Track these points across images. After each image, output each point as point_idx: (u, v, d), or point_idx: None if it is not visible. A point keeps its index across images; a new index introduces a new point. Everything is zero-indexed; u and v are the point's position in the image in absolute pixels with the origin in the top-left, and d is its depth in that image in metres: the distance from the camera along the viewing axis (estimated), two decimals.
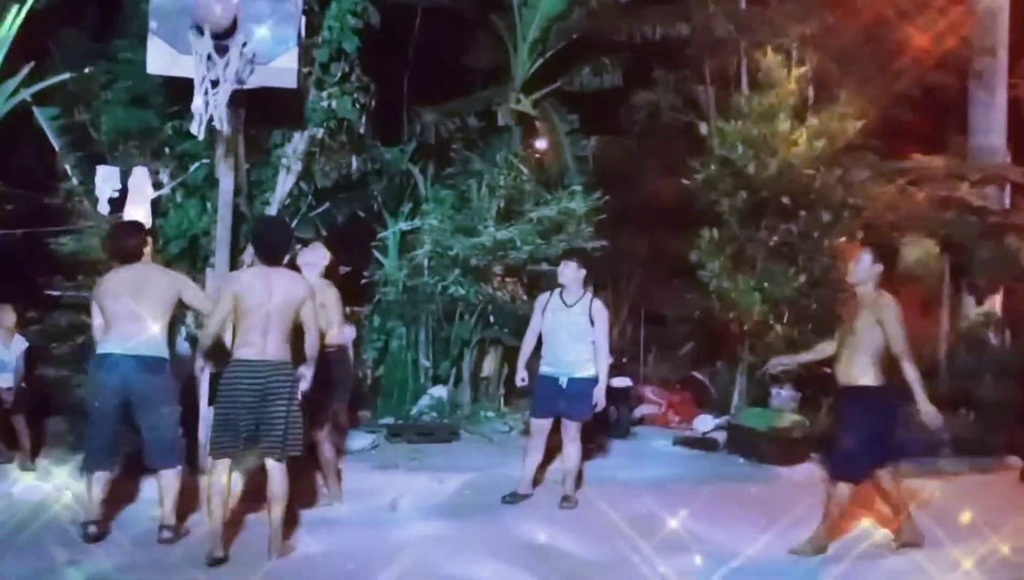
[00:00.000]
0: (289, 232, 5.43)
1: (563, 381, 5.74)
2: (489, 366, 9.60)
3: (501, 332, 9.35)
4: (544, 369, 5.88)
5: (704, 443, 8.11)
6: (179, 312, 5.72)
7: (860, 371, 4.76)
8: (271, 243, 4.66)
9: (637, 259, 11.22)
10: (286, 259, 4.86)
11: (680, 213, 9.51)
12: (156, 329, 4.68)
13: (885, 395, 4.79)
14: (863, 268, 4.90)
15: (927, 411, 4.73)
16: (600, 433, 7.47)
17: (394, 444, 7.77)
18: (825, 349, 5.27)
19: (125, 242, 4.94)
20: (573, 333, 5.78)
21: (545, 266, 8.94)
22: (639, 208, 10.47)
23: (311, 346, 4.57)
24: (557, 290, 5.98)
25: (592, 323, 5.77)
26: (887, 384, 4.79)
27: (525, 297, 9.15)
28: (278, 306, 4.41)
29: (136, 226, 5.32)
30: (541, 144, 10.72)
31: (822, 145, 8.39)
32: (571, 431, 5.82)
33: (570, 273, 5.89)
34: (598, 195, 9.37)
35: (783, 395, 8.11)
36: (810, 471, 6.97)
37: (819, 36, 8.94)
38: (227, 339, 4.75)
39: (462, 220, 9.13)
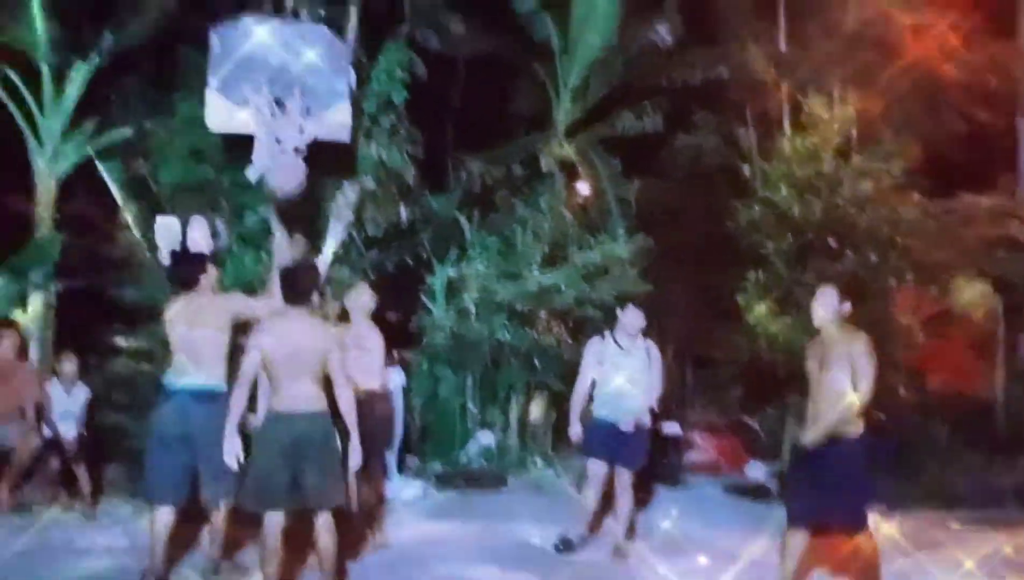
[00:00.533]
0: (315, 273, 5.29)
1: (622, 427, 5.65)
2: (536, 411, 9.59)
3: (547, 377, 9.35)
4: (601, 412, 5.76)
5: (756, 491, 7.97)
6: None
7: (845, 420, 4.32)
8: (297, 284, 4.51)
9: (682, 302, 11.18)
10: (316, 301, 4.90)
11: (724, 255, 9.51)
12: (211, 358, 4.69)
13: (867, 439, 4.44)
14: (830, 307, 4.47)
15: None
16: (649, 480, 7.38)
17: (443, 491, 7.76)
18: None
19: (181, 269, 5.01)
20: (631, 378, 5.73)
21: (590, 310, 8.97)
22: (683, 250, 10.48)
23: (345, 403, 4.38)
24: (608, 335, 5.91)
25: (649, 366, 5.75)
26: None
27: (570, 341, 9.19)
28: (305, 354, 4.30)
29: (196, 255, 5.36)
30: (584, 189, 10.82)
31: (868, 185, 8.36)
32: (625, 479, 5.74)
33: (637, 319, 5.80)
34: (642, 238, 9.39)
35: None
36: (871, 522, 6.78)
37: (862, 76, 8.96)
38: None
39: (507, 266, 9.21)
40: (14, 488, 6.41)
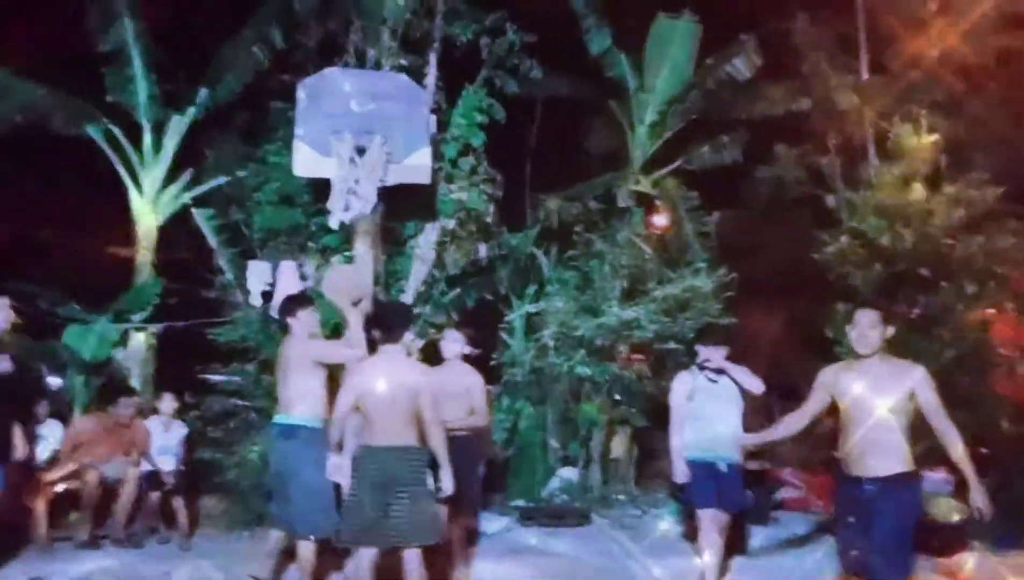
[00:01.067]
0: (409, 313, 5.57)
1: (721, 466, 5.31)
2: (618, 447, 9.51)
3: (629, 412, 9.28)
4: (697, 454, 5.37)
5: None
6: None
7: (897, 457, 3.98)
8: (391, 324, 4.67)
9: (766, 335, 10.94)
10: (409, 339, 5.04)
11: (810, 287, 9.28)
12: (291, 396, 4.91)
13: (919, 479, 4.14)
14: (878, 332, 4.10)
15: (979, 493, 3.96)
16: (738, 519, 7.20)
17: (527, 527, 7.75)
18: (794, 423, 4.61)
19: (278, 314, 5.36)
20: (725, 408, 5.44)
21: (672, 344, 8.88)
22: (766, 283, 10.28)
23: (436, 439, 4.45)
24: (695, 369, 5.61)
25: (740, 398, 5.49)
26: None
27: (651, 375, 9.11)
28: (398, 391, 4.41)
29: (294, 298, 5.60)
30: (662, 222, 10.78)
31: (960, 213, 8.07)
32: (722, 522, 5.40)
33: (717, 352, 5.53)
34: (723, 271, 9.26)
35: (935, 479, 7.60)
36: (970, 561, 6.47)
37: (949, 102, 8.70)
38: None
39: (586, 301, 9.22)
40: (128, 522, 6.71)
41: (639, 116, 10.78)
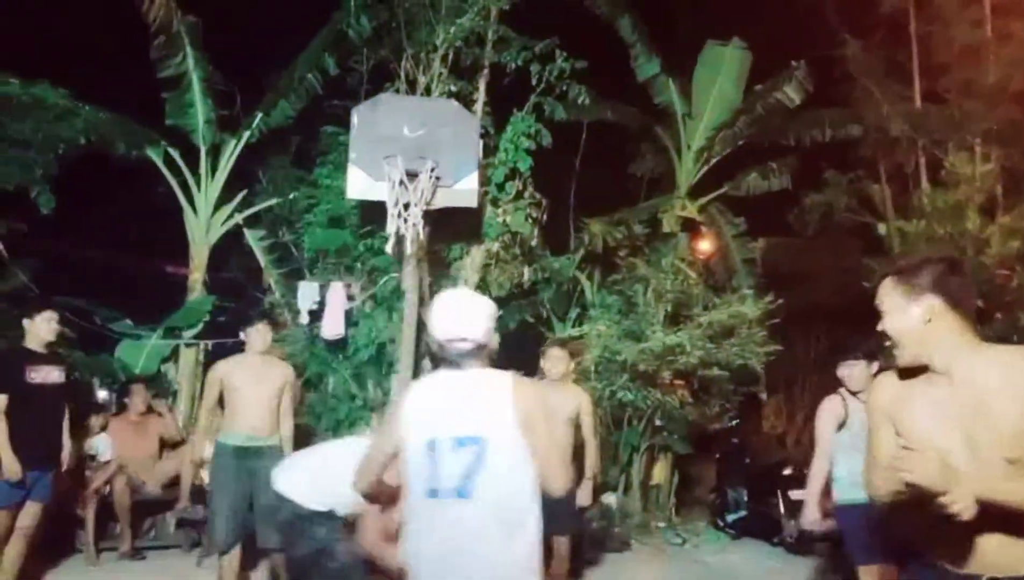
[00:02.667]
0: None
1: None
2: (659, 474, 9.42)
3: (671, 438, 9.20)
4: (854, 496, 4.09)
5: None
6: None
7: None
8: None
9: (813, 363, 10.79)
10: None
11: (859, 315, 9.13)
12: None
13: None
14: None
15: None
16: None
17: None
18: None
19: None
20: None
21: (716, 371, 8.80)
22: (814, 310, 10.16)
23: None
24: (844, 392, 4.76)
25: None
26: None
27: (693, 402, 9.04)
28: None
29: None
30: (707, 248, 10.73)
31: (1016, 244, 7.90)
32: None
33: (861, 373, 4.65)
34: (770, 298, 9.16)
35: None
36: None
37: (1005, 131, 8.54)
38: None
39: (629, 325, 9.18)
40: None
41: (686, 141, 10.78)
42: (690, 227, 10.68)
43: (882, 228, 9.59)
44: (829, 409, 4.71)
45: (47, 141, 8.03)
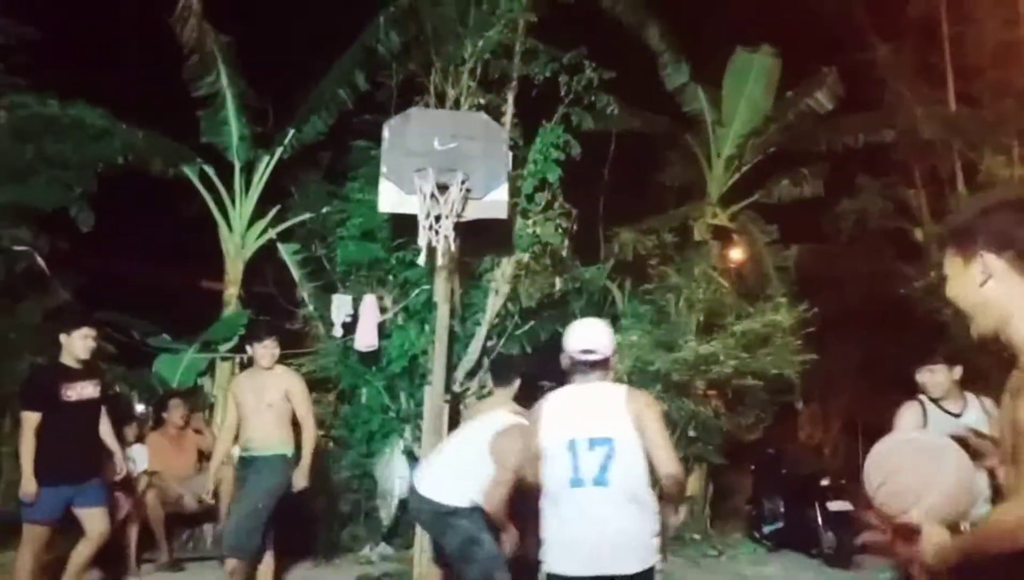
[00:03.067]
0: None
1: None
2: (694, 485, 9.33)
3: (705, 449, 9.11)
4: None
5: None
6: None
7: None
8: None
9: (850, 372, 10.64)
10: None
11: (896, 322, 9.01)
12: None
13: None
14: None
15: None
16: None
17: None
18: None
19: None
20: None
21: (751, 380, 8.72)
22: (850, 318, 10.03)
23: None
24: (924, 400, 4.34)
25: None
26: None
27: (727, 412, 8.96)
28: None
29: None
30: (739, 256, 10.64)
31: None
32: None
33: (944, 378, 4.28)
34: (804, 306, 9.05)
35: None
36: None
37: None
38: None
39: (662, 335, 9.12)
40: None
41: (716, 149, 10.73)
42: (721, 235, 10.61)
43: (918, 233, 9.47)
44: (908, 417, 4.30)
45: (86, 160, 8.22)
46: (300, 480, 5.49)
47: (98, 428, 5.61)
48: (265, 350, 5.61)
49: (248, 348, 5.75)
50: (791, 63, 10.49)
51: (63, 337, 5.42)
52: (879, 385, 10.19)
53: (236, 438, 5.74)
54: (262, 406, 5.51)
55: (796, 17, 10.17)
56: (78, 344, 5.38)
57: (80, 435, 5.44)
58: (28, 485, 5.18)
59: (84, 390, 5.46)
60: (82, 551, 5.37)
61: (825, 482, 8.03)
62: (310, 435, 5.63)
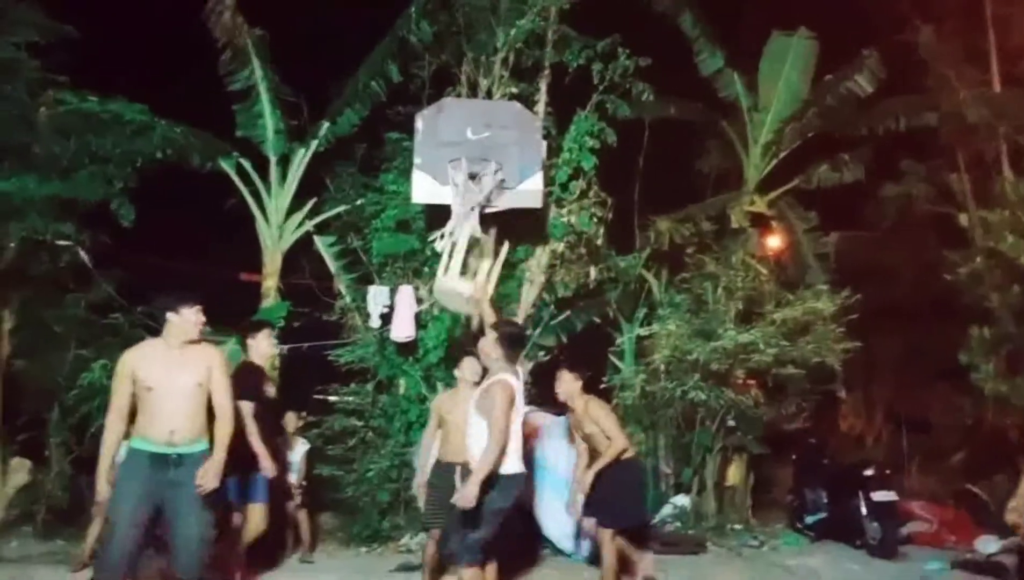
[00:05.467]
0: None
1: None
2: (734, 475, 9.23)
3: (745, 439, 9.01)
4: None
5: (990, 568, 7.15)
6: None
7: None
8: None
9: (892, 360, 10.43)
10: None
11: (940, 310, 8.81)
12: None
13: None
14: None
15: None
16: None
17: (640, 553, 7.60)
18: None
19: None
20: None
21: (791, 369, 8.59)
22: (891, 306, 9.82)
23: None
24: None
25: None
26: None
27: (766, 401, 8.85)
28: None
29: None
30: (778, 244, 10.48)
31: None
32: None
33: None
34: (846, 293, 8.87)
35: None
36: None
37: None
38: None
39: (700, 324, 9.02)
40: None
41: (753, 135, 10.56)
42: (760, 223, 10.45)
43: (963, 218, 9.23)
44: None
45: (126, 155, 8.34)
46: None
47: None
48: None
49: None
50: (829, 46, 10.27)
51: (250, 341, 5.74)
52: (923, 374, 10.01)
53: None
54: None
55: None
56: (264, 344, 5.75)
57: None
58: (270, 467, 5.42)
59: (269, 388, 5.74)
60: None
61: (869, 472, 7.89)
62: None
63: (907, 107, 9.72)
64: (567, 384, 5.70)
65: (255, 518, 5.49)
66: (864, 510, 7.69)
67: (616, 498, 5.57)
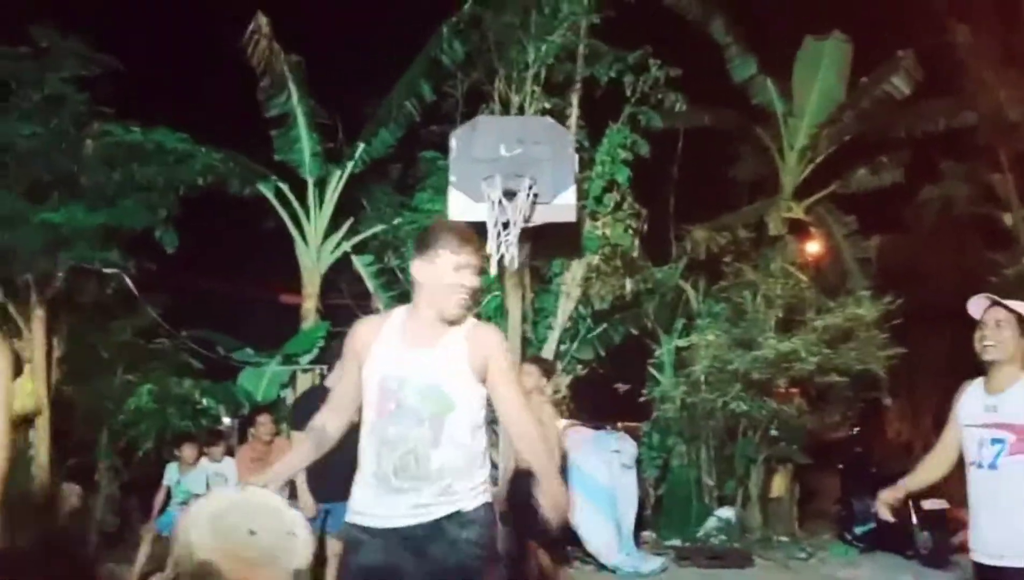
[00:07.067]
0: None
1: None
2: (779, 486, 9.10)
3: (789, 449, 8.88)
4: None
5: None
6: None
7: None
8: None
9: (937, 365, 10.22)
10: None
11: None
12: None
13: None
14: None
15: None
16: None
17: (684, 568, 7.55)
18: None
19: None
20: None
21: (835, 377, 8.46)
22: (936, 310, 9.63)
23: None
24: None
25: None
26: None
27: (809, 410, 8.72)
28: None
29: None
30: (817, 250, 10.36)
31: None
32: None
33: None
34: (889, 299, 8.73)
35: None
36: None
37: None
38: None
39: (739, 333, 8.94)
40: None
41: (789, 141, 10.47)
42: (798, 229, 10.34)
43: (1006, 218, 9.03)
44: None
45: (169, 183, 8.52)
46: None
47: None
48: None
49: None
50: (864, 49, 10.17)
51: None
52: (970, 377, 9.78)
53: None
54: None
55: (867, 1, 9.85)
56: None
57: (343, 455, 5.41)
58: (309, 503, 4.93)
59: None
60: None
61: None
62: None
63: (946, 108, 9.57)
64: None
65: None
66: (914, 519, 7.53)
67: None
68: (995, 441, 2.96)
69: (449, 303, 2.48)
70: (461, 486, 2.50)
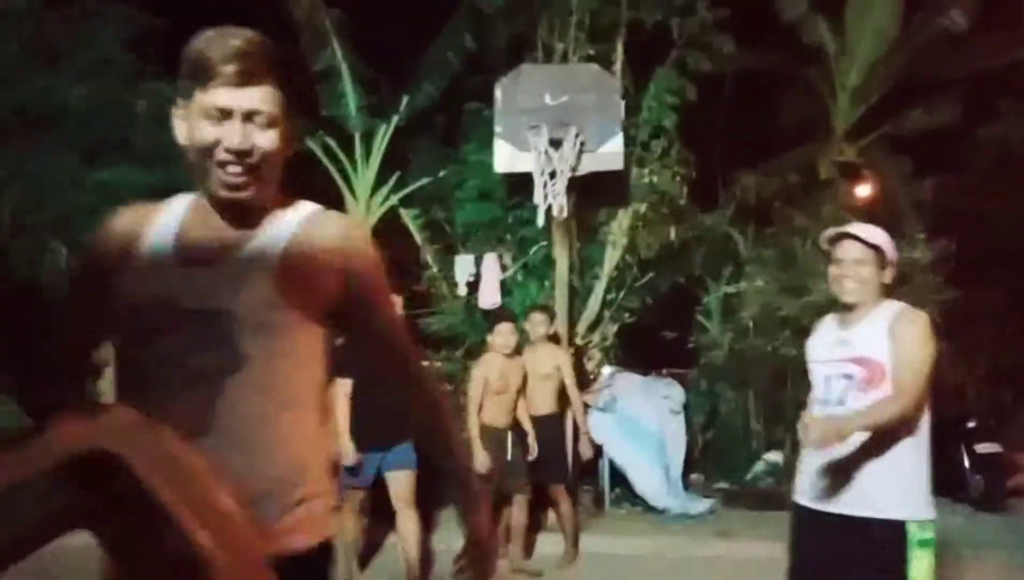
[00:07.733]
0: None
1: None
2: None
3: None
4: None
5: None
6: None
7: None
8: None
9: (993, 310, 10.03)
10: None
11: None
12: None
13: None
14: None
15: None
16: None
17: (732, 510, 7.65)
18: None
19: None
20: None
21: None
22: (994, 253, 9.43)
23: None
24: None
25: None
26: None
27: None
28: None
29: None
30: (870, 193, 10.14)
31: None
32: None
33: None
34: (944, 242, 8.55)
35: None
36: None
37: None
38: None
39: (789, 279, 8.86)
40: None
41: (840, 82, 10.19)
42: (849, 172, 10.12)
43: None
44: None
45: None
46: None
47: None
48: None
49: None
50: None
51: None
52: None
53: None
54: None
55: None
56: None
57: (386, 403, 5.44)
58: (349, 452, 4.99)
59: None
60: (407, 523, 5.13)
61: (971, 424, 7.68)
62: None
63: (1005, 43, 9.20)
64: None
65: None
66: (967, 463, 7.50)
67: None
68: (845, 377, 2.82)
69: None
70: None
